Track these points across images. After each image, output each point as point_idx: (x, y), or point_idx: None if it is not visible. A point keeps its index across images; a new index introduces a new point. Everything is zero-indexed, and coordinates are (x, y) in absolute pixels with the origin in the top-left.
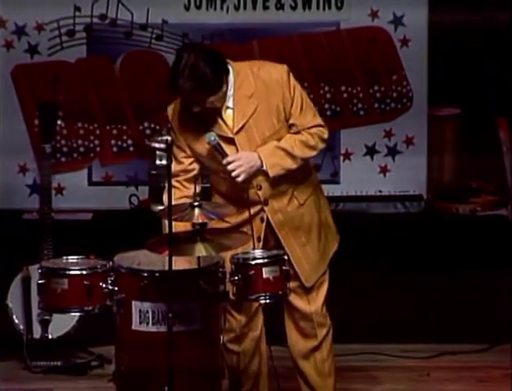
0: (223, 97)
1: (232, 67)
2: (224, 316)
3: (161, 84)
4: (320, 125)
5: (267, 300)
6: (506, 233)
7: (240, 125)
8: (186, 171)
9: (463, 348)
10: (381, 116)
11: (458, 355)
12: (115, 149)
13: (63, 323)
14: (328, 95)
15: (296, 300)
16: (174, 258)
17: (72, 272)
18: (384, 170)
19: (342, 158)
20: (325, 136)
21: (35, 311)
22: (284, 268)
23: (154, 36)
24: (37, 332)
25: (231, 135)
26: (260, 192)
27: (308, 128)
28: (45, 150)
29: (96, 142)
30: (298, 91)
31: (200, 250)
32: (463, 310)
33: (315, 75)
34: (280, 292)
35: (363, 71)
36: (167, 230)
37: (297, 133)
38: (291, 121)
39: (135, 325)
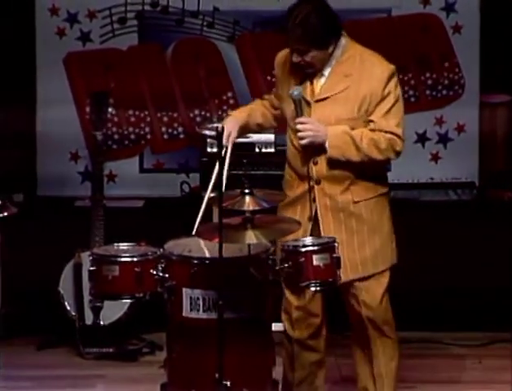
0: (325, 60)
1: (346, 41)
2: (281, 302)
3: (211, 71)
4: (396, 135)
5: (318, 288)
6: None
7: (324, 96)
8: (274, 108)
9: None
10: (433, 103)
11: (511, 343)
12: (166, 136)
13: (114, 310)
14: None
15: None
16: (224, 245)
17: (123, 259)
18: (435, 157)
19: None
20: (398, 148)
21: (87, 298)
22: (334, 255)
23: (205, 23)
24: (88, 319)
25: (310, 100)
26: (315, 168)
27: (384, 131)
28: (96, 137)
29: (147, 129)
30: (393, 96)
31: (251, 237)
32: None
33: None
34: (331, 279)
35: (414, 58)
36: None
37: (373, 131)
38: (371, 117)
39: (186, 312)
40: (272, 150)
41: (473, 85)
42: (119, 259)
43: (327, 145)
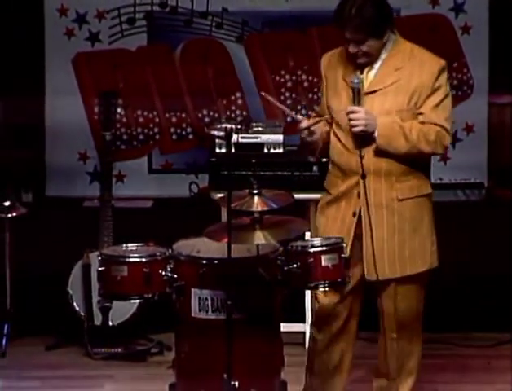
0: (380, 49)
1: (396, 36)
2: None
3: (220, 72)
4: (445, 129)
5: (326, 288)
6: None
7: (374, 89)
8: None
9: None
10: None
11: (511, 343)
12: (174, 137)
13: (123, 310)
14: None
15: None
16: (232, 246)
17: (131, 259)
18: (444, 158)
19: None
20: (446, 142)
21: (95, 298)
22: (342, 256)
23: (214, 24)
24: (97, 319)
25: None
26: (361, 161)
27: (434, 124)
28: (105, 138)
29: (156, 129)
30: (444, 90)
31: (260, 238)
32: None
33: None
34: (339, 280)
35: None
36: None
37: (422, 123)
38: (420, 110)
39: (195, 312)
40: (281, 150)
41: (481, 86)
42: (128, 259)
43: (376, 134)
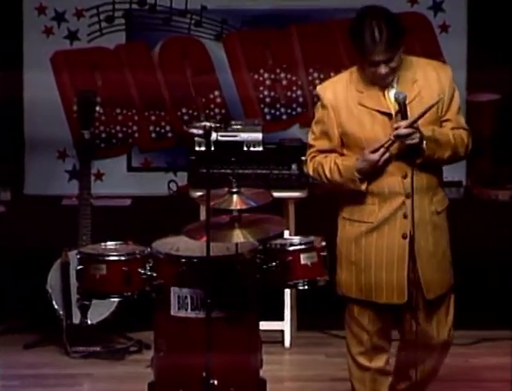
0: (397, 67)
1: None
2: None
3: (199, 70)
4: (469, 133)
5: (306, 287)
6: None
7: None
8: (335, 151)
9: (503, 334)
10: None
11: (498, 342)
12: (153, 135)
13: (102, 309)
14: None
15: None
16: (212, 244)
17: (110, 258)
18: None
19: None
20: (470, 145)
21: (74, 296)
22: (321, 254)
23: (193, 22)
24: (76, 318)
25: (392, 111)
26: (404, 181)
27: (462, 128)
28: (84, 136)
29: (135, 128)
30: (457, 95)
31: (239, 236)
32: (503, 296)
33: (354, 61)
34: (319, 278)
35: None
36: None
37: (452, 129)
38: (447, 117)
39: (174, 311)
40: (260, 148)
41: (460, 85)
42: (106, 258)
43: (424, 144)
